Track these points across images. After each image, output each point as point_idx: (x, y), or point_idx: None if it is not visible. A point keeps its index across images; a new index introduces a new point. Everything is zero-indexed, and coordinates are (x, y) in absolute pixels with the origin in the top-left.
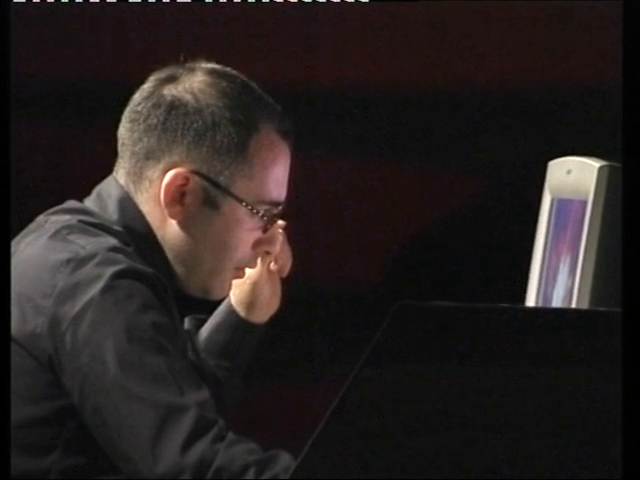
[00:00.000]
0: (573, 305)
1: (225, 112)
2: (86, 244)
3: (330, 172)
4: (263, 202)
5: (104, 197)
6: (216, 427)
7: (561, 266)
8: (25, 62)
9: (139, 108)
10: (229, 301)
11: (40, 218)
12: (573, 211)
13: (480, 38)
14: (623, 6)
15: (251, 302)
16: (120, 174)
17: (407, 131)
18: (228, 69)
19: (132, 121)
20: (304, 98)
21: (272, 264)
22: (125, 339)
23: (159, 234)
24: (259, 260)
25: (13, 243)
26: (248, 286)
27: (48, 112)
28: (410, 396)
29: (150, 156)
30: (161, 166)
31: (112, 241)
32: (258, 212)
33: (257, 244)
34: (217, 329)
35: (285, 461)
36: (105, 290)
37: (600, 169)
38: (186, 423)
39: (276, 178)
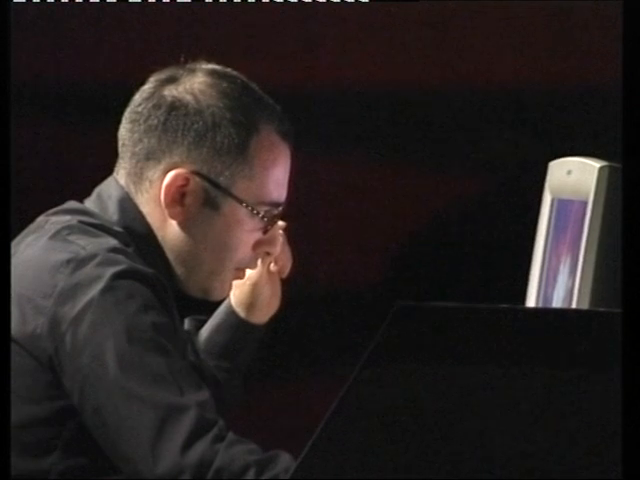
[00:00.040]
0: (573, 306)
1: (225, 113)
2: (86, 245)
3: (330, 173)
4: (263, 203)
5: (104, 198)
6: (216, 427)
7: (561, 266)
8: (25, 62)
9: (139, 109)
10: (229, 302)
11: (40, 219)
12: (573, 211)
13: (480, 38)
14: (623, 6)
15: (251, 303)
16: (120, 175)
17: (407, 131)
18: (228, 70)
19: (132, 122)
20: (304, 98)
21: (272, 265)
22: (125, 339)
23: (159, 235)
24: (259, 261)
25: (13, 244)
26: (248, 287)
27: (48, 112)
28: (410, 396)
29: (150, 157)
30: (161, 167)
31: (112, 242)
32: (258, 213)
33: (257, 245)
34: (217, 330)
35: (285, 461)
36: (105, 291)
37: (600, 169)
38: (186, 423)
39: (276, 179)
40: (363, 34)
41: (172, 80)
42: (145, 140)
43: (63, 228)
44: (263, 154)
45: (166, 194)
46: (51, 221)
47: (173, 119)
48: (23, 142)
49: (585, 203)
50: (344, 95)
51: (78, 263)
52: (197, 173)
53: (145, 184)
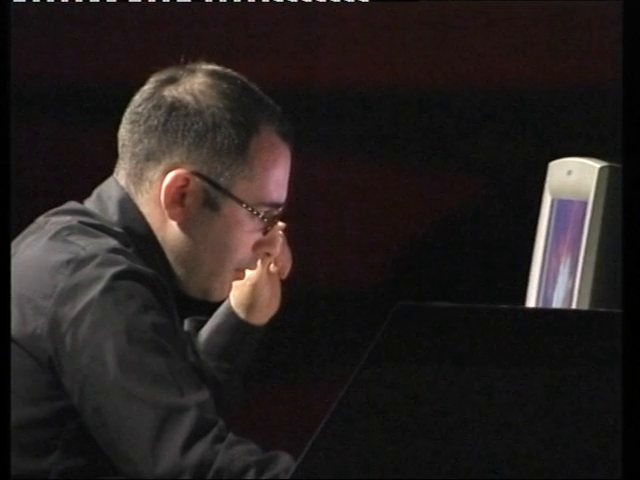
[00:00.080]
0: (573, 306)
1: (225, 113)
2: (86, 245)
3: (330, 173)
4: (263, 204)
5: (104, 198)
6: (216, 428)
7: (561, 267)
8: (25, 62)
9: (139, 109)
10: (229, 303)
11: (40, 219)
12: (573, 212)
13: (480, 38)
14: (623, 6)
15: (251, 304)
16: (120, 175)
17: (407, 131)
18: (229, 70)
19: (132, 122)
20: (304, 98)
21: (272, 266)
22: (125, 340)
23: (159, 235)
24: (259, 262)
25: (13, 244)
26: (248, 288)
27: (48, 112)
28: (410, 397)
29: (150, 157)
30: (161, 167)
31: (112, 242)
32: (258, 214)
33: (257, 246)
34: (217, 331)
35: (285, 462)
36: (105, 291)
37: (600, 170)
38: (186, 424)
39: (276, 180)
40: (363, 34)
41: (172, 81)
42: (145, 141)
43: (63, 229)
44: (263, 155)
45: (166, 195)
46: (51, 221)
47: (173, 120)
48: (23, 142)
49: (585, 203)
50: (344, 95)
51: (78, 264)
52: (197, 174)
53: (145, 185)
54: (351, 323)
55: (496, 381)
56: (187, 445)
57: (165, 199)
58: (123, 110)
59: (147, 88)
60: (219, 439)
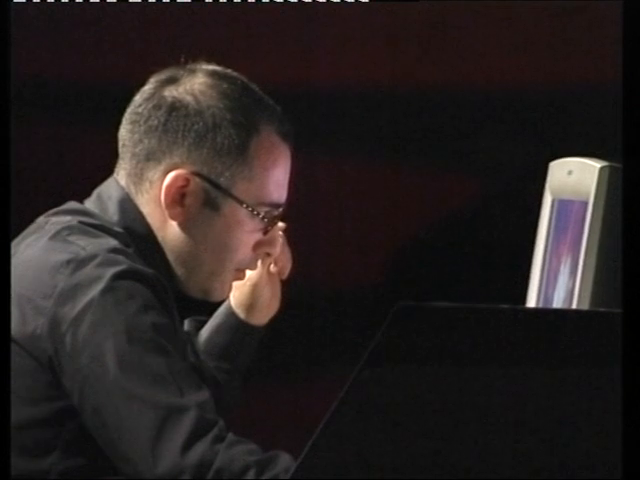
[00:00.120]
0: (574, 306)
1: (226, 114)
2: (86, 245)
3: (330, 173)
4: (263, 204)
5: (104, 198)
6: (216, 428)
7: (562, 267)
8: (25, 62)
9: (140, 109)
10: (229, 303)
11: (40, 219)
12: (574, 212)
13: (480, 38)
14: (623, 6)
15: (251, 304)
16: (121, 175)
17: (407, 131)
18: (229, 71)
19: (133, 122)
20: (304, 98)
21: (272, 266)
22: (125, 340)
23: (159, 235)
24: (259, 262)
25: (13, 244)
26: (248, 288)
27: (48, 112)
28: (410, 396)
29: (151, 157)
30: (162, 167)
31: (112, 242)
32: (259, 214)
33: (257, 246)
34: (217, 331)
35: (285, 462)
36: (105, 291)
37: (601, 170)
38: (186, 424)
39: (276, 180)
40: (363, 34)
41: (172, 81)
42: (145, 141)
43: (63, 229)
44: (263, 155)
45: (166, 195)
46: (51, 222)
47: (173, 120)
48: (23, 142)
49: (586, 203)
50: (344, 95)
51: (78, 264)
52: (197, 174)
53: (145, 185)
54: (351, 323)
55: (496, 381)
56: (187, 445)
57: (165, 199)
58: (123, 110)
59: (147, 88)
60: (219, 439)
